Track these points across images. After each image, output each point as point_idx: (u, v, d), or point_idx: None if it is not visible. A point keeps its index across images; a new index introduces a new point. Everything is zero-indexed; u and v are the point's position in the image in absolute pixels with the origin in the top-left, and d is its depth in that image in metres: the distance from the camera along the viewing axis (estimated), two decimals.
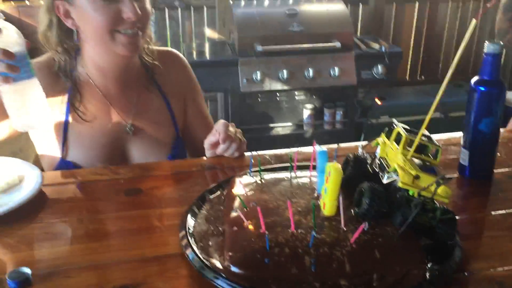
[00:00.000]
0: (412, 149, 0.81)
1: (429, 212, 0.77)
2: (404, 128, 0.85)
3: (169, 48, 1.43)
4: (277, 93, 3.12)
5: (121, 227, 0.86)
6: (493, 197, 0.98)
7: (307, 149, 1.10)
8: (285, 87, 2.95)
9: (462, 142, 1.03)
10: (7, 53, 0.92)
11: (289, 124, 3.19)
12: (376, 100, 3.08)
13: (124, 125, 1.26)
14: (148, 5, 1.19)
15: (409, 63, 3.82)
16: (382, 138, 0.89)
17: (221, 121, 1.13)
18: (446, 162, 1.09)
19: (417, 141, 0.80)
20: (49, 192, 0.99)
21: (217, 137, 1.11)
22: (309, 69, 2.91)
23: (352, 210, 0.81)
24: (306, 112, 3.15)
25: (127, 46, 1.16)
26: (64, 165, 1.22)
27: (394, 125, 0.87)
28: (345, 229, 0.77)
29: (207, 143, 1.15)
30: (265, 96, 3.12)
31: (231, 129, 1.13)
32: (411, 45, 3.79)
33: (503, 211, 0.91)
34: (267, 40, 2.89)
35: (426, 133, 0.86)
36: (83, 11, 1.13)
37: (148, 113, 1.30)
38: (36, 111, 0.99)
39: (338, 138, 3.27)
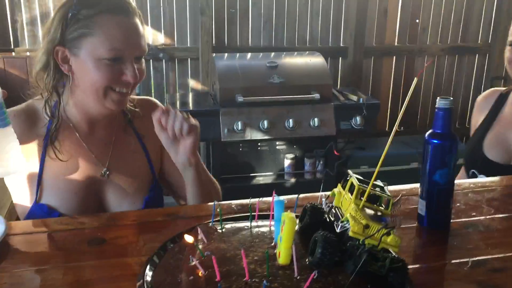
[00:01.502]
0: (363, 199, 0.84)
1: (380, 260, 0.79)
2: (359, 179, 0.88)
3: (149, 98, 1.48)
4: (258, 143, 3.17)
5: (80, 278, 0.86)
6: (450, 246, 1.01)
7: (271, 199, 1.12)
8: (266, 137, 3.00)
9: (419, 192, 1.06)
10: None
11: (271, 173, 3.23)
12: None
13: (99, 168, 1.29)
14: (143, 66, 1.26)
15: (388, 114, 3.92)
16: (338, 188, 0.92)
17: None
18: (406, 211, 1.12)
19: (368, 191, 0.83)
20: (14, 242, 1.00)
21: (160, 111, 1.19)
22: (289, 119, 2.98)
23: (307, 259, 0.83)
24: (287, 162, 3.19)
25: (116, 102, 1.22)
26: (38, 208, 1.22)
27: (348, 176, 0.90)
28: (298, 278, 0.78)
29: (154, 120, 1.21)
30: (246, 146, 3.17)
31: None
32: (390, 97, 3.91)
33: (457, 260, 0.93)
34: (248, 91, 2.97)
35: (380, 183, 0.90)
36: (85, 65, 1.17)
37: (124, 156, 1.33)
38: (11, 158, 1.02)
39: (319, 187, 3.33)
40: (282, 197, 0.92)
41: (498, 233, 1.04)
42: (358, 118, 3.06)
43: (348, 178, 0.90)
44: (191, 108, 3.13)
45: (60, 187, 1.25)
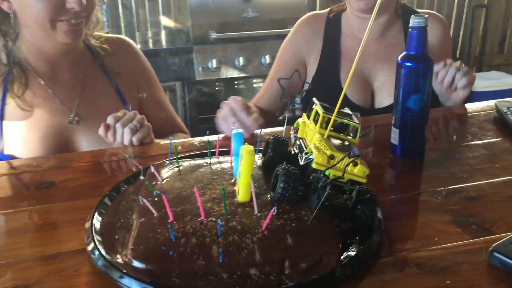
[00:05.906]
0: (328, 128, 0.76)
1: (346, 193, 0.73)
2: (324, 107, 0.81)
3: (120, 36, 1.38)
4: (235, 81, 3.06)
5: (24, 224, 0.79)
6: (425, 176, 0.95)
7: None
8: (242, 74, 2.90)
9: (392, 121, 0.99)
10: None
11: None
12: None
13: (66, 114, 1.20)
14: None
15: None
16: (302, 118, 0.85)
17: None
18: (383, 141, 1.05)
19: (333, 119, 0.76)
20: None
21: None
22: (266, 55, 2.87)
23: (269, 195, 0.76)
24: None
25: (68, 34, 1.12)
26: (3, 159, 1.14)
27: (314, 104, 0.82)
28: (258, 215, 0.72)
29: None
30: (222, 84, 3.06)
31: (119, 114, 1.09)
32: None
33: (432, 189, 0.88)
34: (222, 27, 2.83)
35: (349, 111, 0.82)
36: None
37: (95, 101, 1.24)
38: None
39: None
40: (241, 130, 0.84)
41: (474, 161, 0.98)
42: None
43: (313, 107, 0.82)
44: (164, 47, 3.00)
45: (25, 137, 1.16)
